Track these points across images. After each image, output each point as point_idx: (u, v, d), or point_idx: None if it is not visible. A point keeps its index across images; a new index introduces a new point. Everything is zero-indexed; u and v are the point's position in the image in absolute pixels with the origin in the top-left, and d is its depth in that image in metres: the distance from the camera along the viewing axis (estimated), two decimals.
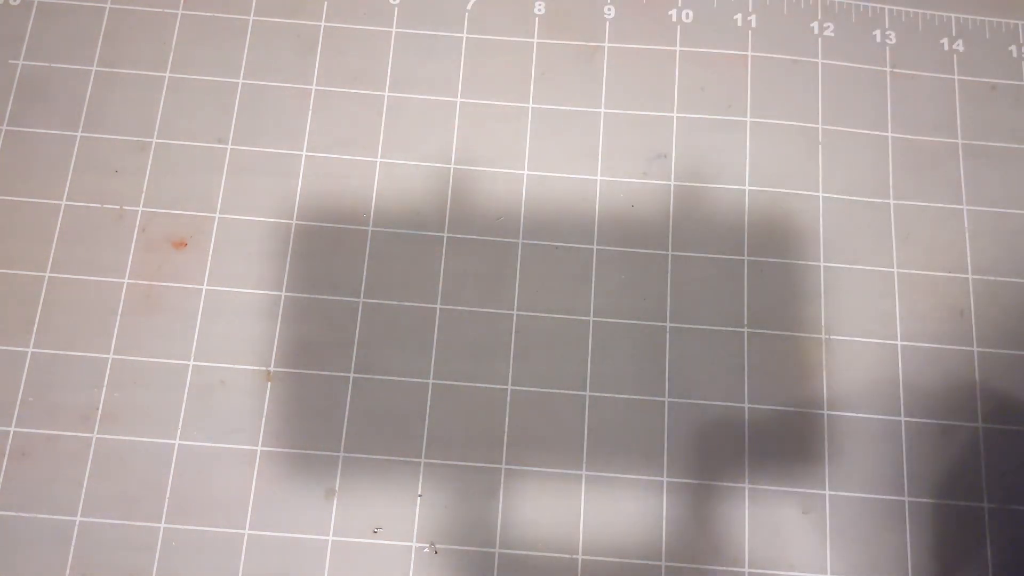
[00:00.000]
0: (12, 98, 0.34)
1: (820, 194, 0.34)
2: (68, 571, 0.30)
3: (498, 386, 0.32)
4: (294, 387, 0.32)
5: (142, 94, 0.34)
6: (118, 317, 0.32)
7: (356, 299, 0.32)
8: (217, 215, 0.33)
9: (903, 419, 0.32)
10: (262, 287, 0.33)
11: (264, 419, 0.31)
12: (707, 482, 0.31)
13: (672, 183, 0.34)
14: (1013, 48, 0.36)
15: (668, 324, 0.32)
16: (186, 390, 0.31)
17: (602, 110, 0.35)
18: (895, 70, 0.35)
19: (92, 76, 0.35)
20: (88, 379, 0.31)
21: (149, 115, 0.34)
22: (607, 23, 0.36)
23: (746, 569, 0.30)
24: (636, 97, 0.35)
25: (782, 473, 0.31)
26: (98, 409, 0.31)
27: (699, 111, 0.35)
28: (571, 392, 0.32)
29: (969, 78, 0.35)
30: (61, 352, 0.32)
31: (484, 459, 0.31)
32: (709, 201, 0.34)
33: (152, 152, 0.34)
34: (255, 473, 0.31)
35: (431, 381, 0.32)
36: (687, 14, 0.36)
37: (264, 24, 0.35)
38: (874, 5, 0.36)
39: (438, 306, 0.32)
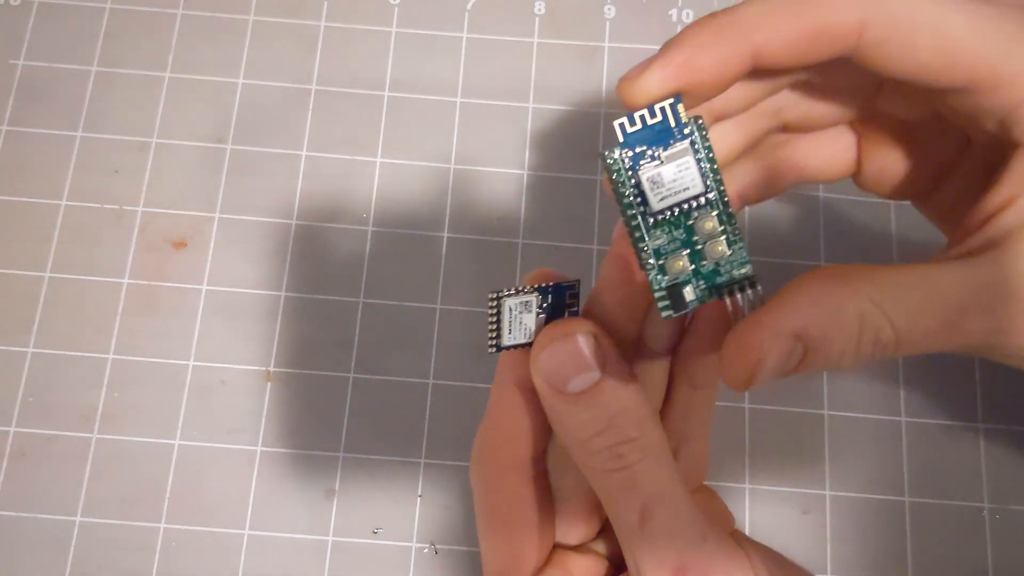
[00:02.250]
0: (12, 98, 0.34)
1: (820, 194, 0.34)
2: (68, 571, 0.30)
3: None
4: (294, 387, 0.32)
5: (142, 94, 0.34)
6: (118, 317, 0.32)
7: (356, 299, 0.32)
8: (217, 215, 0.33)
9: (903, 419, 0.31)
10: (262, 287, 0.33)
11: (264, 419, 0.31)
12: (707, 482, 0.31)
13: None
14: None
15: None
16: (186, 390, 0.31)
17: (602, 110, 0.35)
18: None
19: (92, 76, 0.35)
20: (88, 379, 0.31)
21: (149, 115, 0.34)
22: (607, 23, 0.36)
23: None
24: None
25: (782, 473, 0.31)
26: (98, 409, 0.31)
27: (699, 110, 0.35)
28: None
29: None
30: (61, 352, 0.32)
31: None
32: None
33: (152, 152, 0.34)
34: (255, 473, 0.31)
35: (431, 381, 0.32)
36: (687, 14, 0.36)
37: (264, 24, 0.35)
38: None
39: (438, 306, 0.32)
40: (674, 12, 0.36)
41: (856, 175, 0.26)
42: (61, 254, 0.33)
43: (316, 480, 0.31)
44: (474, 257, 0.33)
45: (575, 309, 0.22)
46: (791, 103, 0.24)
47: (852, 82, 0.23)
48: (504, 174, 0.34)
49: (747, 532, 0.30)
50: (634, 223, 0.20)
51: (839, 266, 0.20)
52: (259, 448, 0.31)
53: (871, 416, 0.32)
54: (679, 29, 0.36)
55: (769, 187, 0.26)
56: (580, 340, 0.21)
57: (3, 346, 0.32)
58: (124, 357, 0.32)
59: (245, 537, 0.30)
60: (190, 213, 0.33)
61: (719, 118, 0.23)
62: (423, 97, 0.35)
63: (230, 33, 0.35)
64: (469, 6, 0.36)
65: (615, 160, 0.20)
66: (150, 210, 0.33)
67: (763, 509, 0.31)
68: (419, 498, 0.31)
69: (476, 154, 0.34)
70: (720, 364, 0.20)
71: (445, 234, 0.33)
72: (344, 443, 0.31)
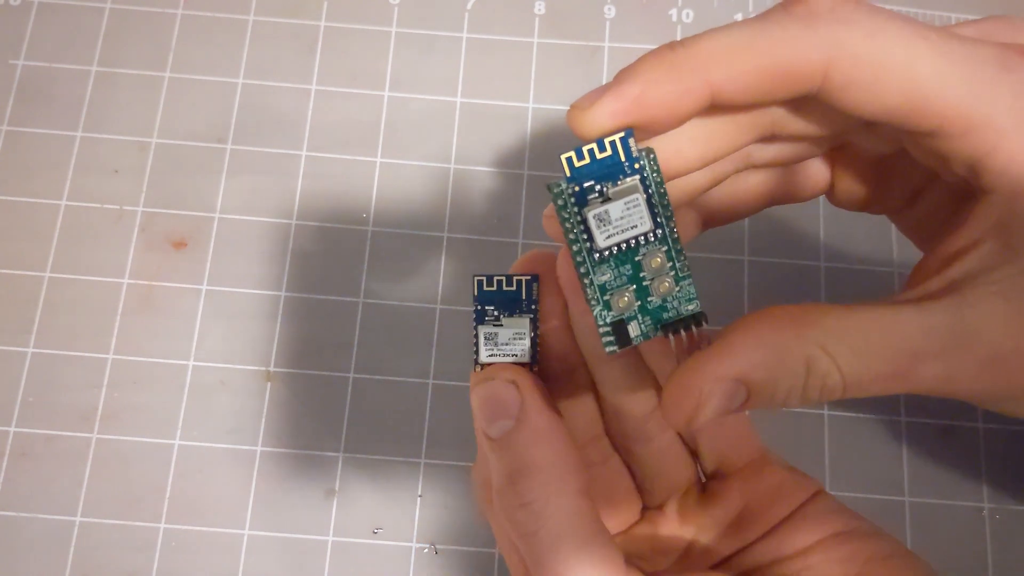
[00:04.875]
0: (12, 98, 0.34)
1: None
2: (68, 571, 0.30)
3: None
4: (294, 387, 0.32)
5: (142, 94, 0.34)
6: (118, 317, 0.32)
7: (356, 299, 0.32)
8: (217, 215, 0.33)
9: (903, 419, 0.31)
10: (262, 287, 0.33)
11: (264, 419, 0.31)
12: None
13: None
14: None
15: None
16: (186, 390, 0.31)
17: None
18: None
19: (92, 76, 0.35)
20: (88, 379, 0.31)
21: (149, 115, 0.34)
22: (607, 23, 0.36)
23: None
24: None
25: None
26: (98, 409, 0.31)
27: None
28: None
29: None
30: (61, 352, 0.32)
31: None
32: None
33: (152, 152, 0.34)
34: (255, 473, 0.31)
35: (431, 381, 0.32)
36: (687, 14, 0.36)
37: (264, 24, 0.35)
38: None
39: (438, 306, 0.32)
40: (674, 12, 0.36)
41: (828, 193, 0.25)
42: (61, 254, 0.33)
43: (316, 480, 0.31)
44: (474, 257, 0.33)
45: (535, 307, 0.22)
46: (760, 148, 0.23)
47: (822, 128, 0.22)
48: (504, 174, 0.34)
49: None
50: (579, 258, 0.19)
51: (789, 307, 0.19)
52: (259, 448, 0.31)
53: (871, 416, 0.32)
54: (679, 29, 0.36)
55: (735, 212, 0.25)
56: (497, 386, 0.20)
57: (3, 346, 0.32)
58: (124, 357, 0.32)
59: (245, 537, 0.30)
60: (190, 213, 0.33)
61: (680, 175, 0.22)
62: (423, 97, 0.35)
63: (230, 33, 0.35)
64: (469, 6, 0.36)
65: (561, 193, 0.19)
66: (150, 210, 0.33)
67: None
68: (419, 498, 0.31)
69: (476, 154, 0.34)
70: (661, 405, 0.19)
71: (445, 234, 0.33)
72: (344, 443, 0.31)
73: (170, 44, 0.35)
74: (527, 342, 0.22)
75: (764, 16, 0.20)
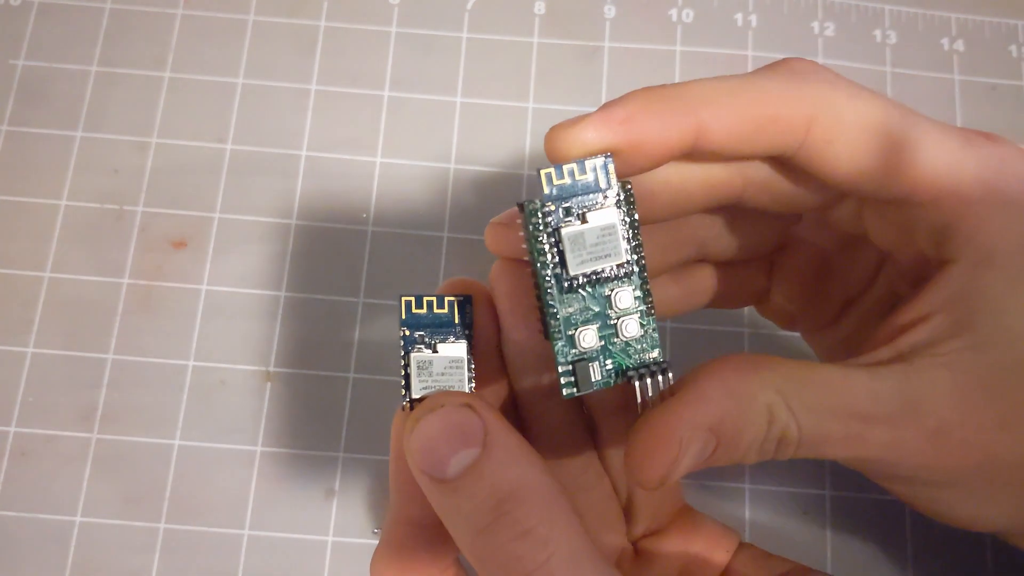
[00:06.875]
0: (12, 98, 0.34)
1: None
2: (68, 571, 0.30)
3: None
4: (294, 387, 0.32)
5: (142, 94, 0.34)
6: (118, 317, 0.32)
7: (356, 299, 0.32)
8: (217, 215, 0.33)
9: None
10: (262, 287, 0.33)
11: (264, 419, 0.31)
12: (707, 483, 0.31)
13: None
14: (1013, 48, 0.36)
15: (668, 324, 0.32)
16: (186, 390, 0.31)
17: None
18: (895, 70, 0.35)
19: (92, 76, 0.35)
20: (88, 379, 0.31)
21: (149, 115, 0.34)
22: (607, 23, 0.36)
23: None
24: None
25: (782, 473, 0.31)
26: (98, 409, 0.31)
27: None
28: None
29: (969, 78, 0.35)
30: (61, 352, 0.32)
31: None
32: None
33: (152, 152, 0.34)
34: (255, 473, 0.31)
35: None
36: (687, 14, 0.36)
37: (264, 24, 0.35)
38: (874, 5, 0.36)
39: None
40: (674, 12, 0.36)
41: (761, 303, 0.25)
42: (61, 254, 0.33)
43: (316, 480, 0.31)
44: (473, 257, 0.33)
45: (470, 332, 0.20)
46: (714, 236, 0.23)
47: (789, 199, 0.22)
48: (504, 174, 0.34)
49: (747, 532, 0.30)
50: (547, 284, 0.18)
51: (747, 354, 0.19)
52: (259, 448, 0.31)
53: None
54: (679, 29, 0.36)
55: (666, 309, 0.25)
56: (451, 414, 0.18)
57: (3, 346, 0.32)
58: (124, 357, 0.32)
59: (245, 537, 0.30)
60: (190, 213, 0.33)
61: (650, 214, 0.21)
62: (423, 97, 0.35)
63: (230, 33, 0.35)
64: (469, 6, 0.36)
65: (536, 211, 0.18)
66: (150, 210, 0.33)
67: (763, 509, 0.31)
68: None
69: (476, 154, 0.34)
70: (628, 461, 0.18)
71: (445, 234, 0.33)
72: (344, 443, 0.31)
73: (170, 44, 0.35)
74: (464, 369, 0.19)
75: (751, 73, 0.20)
